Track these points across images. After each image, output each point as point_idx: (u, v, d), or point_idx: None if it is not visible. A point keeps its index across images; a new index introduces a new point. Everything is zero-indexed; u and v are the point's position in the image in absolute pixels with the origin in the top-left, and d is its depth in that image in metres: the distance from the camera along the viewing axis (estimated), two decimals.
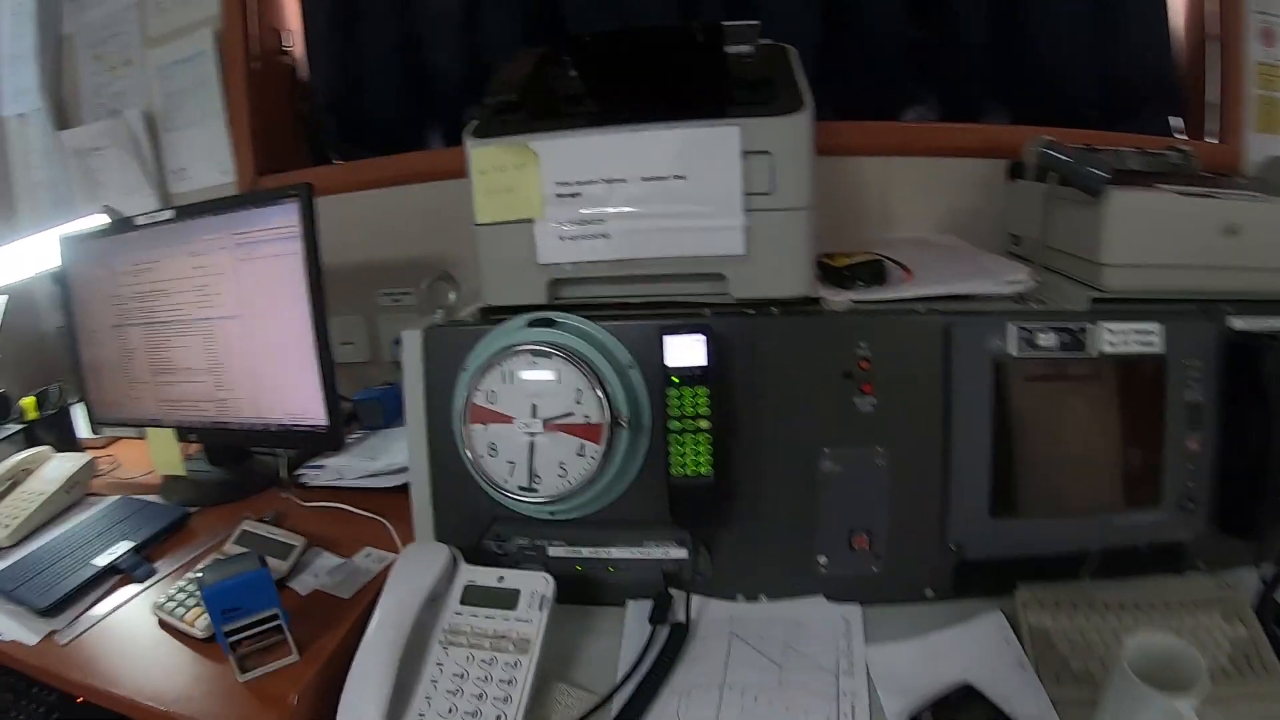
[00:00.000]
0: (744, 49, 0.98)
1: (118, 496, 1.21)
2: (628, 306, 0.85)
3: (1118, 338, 0.81)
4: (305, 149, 1.55)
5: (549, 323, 0.82)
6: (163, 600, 0.90)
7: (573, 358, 0.78)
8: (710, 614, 0.83)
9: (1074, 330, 0.81)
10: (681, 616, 0.80)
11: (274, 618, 0.77)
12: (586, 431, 0.78)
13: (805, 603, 0.83)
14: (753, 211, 0.78)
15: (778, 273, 0.81)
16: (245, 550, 0.95)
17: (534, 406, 0.80)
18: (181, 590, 0.90)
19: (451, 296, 0.93)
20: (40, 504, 1.17)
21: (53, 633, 0.89)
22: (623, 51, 0.78)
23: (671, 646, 0.77)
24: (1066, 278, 0.93)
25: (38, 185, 1.61)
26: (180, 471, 1.24)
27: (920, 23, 1.27)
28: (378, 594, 0.79)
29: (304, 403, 1.08)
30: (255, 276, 1.09)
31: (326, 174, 1.49)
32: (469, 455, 0.82)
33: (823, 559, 0.83)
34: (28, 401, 1.38)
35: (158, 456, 1.25)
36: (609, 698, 0.73)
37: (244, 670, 0.77)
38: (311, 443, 1.14)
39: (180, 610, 0.87)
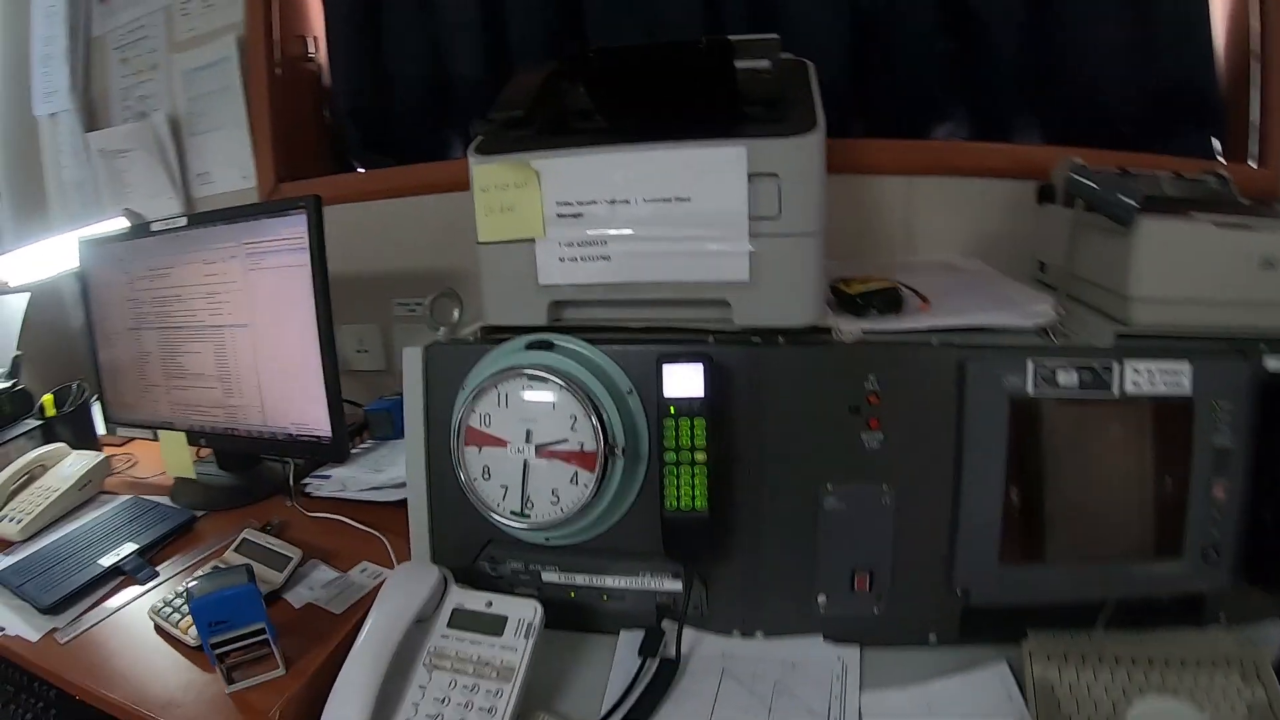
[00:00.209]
0: (762, 64, 0.95)
1: (129, 496, 1.23)
2: (630, 330, 0.83)
3: (1143, 377, 0.77)
4: (328, 156, 1.56)
5: (548, 345, 0.81)
6: (160, 605, 0.90)
7: (569, 383, 0.76)
8: (704, 648, 0.80)
9: (1096, 369, 0.76)
10: (673, 650, 0.77)
11: (260, 631, 0.77)
12: (580, 459, 0.76)
13: (802, 642, 0.80)
14: (759, 236, 0.75)
15: (784, 301, 0.78)
16: (242, 561, 0.96)
17: (528, 431, 0.78)
18: (178, 596, 0.90)
19: (456, 314, 0.91)
20: (54, 500, 1.19)
21: (54, 630, 0.91)
22: (628, 67, 0.76)
23: (660, 682, 0.75)
24: (1092, 309, 0.88)
25: (68, 185, 1.64)
26: (190, 474, 1.25)
27: (951, 35, 1.23)
28: (368, 611, 0.78)
29: (309, 413, 1.08)
30: (265, 286, 1.09)
31: (347, 182, 1.50)
32: (463, 477, 0.81)
33: (822, 598, 0.80)
34: (47, 398, 1.40)
35: (169, 459, 1.26)
36: None
37: (231, 681, 0.78)
38: (316, 453, 1.13)
39: (175, 616, 0.88)
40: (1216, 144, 1.21)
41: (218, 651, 0.76)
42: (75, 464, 1.27)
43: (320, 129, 1.55)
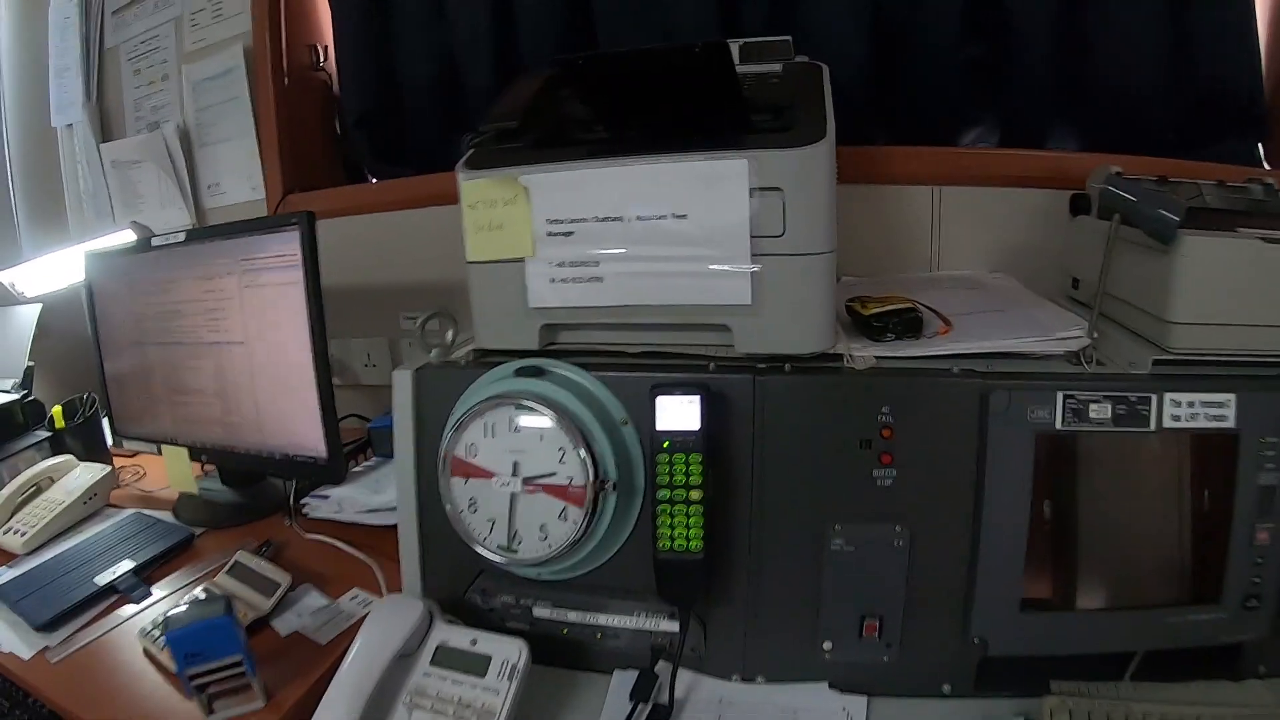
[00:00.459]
0: (772, 68, 0.90)
1: (132, 511, 1.23)
2: (626, 355, 0.78)
3: (1183, 410, 0.70)
4: (339, 167, 1.54)
5: (538, 371, 0.76)
6: (149, 628, 0.89)
7: (557, 413, 0.72)
8: (701, 692, 0.75)
9: (1132, 401, 0.70)
10: (666, 695, 0.72)
11: (240, 663, 0.76)
12: (569, 494, 0.72)
13: (806, 689, 0.74)
14: (761, 256, 0.70)
15: (789, 326, 0.72)
16: (232, 585, 0.95)
17: (515, 463, 0.74)
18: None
19: (449, 335, 0.87)
20: (58, 513, 1.19)
21: (45, 649, 0.90)
22: (618, 74, 0.71)
23: None
24: (1128, 331, 0.82)
25: (84, 196, 1.65)
26: (193, 490, 1.24)
27: (979, 39, 1.16)
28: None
29: (305, 433, 1.05)
30: (260, 303, 1.07)
31: (357, 193, 1.48)
32: (449, 509, 0.77)
33: (828, 644, 0.74)
34: (56, 410, 1.40)
35: (172, 474, 1.26)
36: None
37: (210, 711, 0.77)
38: (312, 474, 1.11)
39: (162, 640, 0.85)
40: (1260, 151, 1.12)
41: (197, 682, 0.75)
42: (81, 477, 1.27)
43: (330, 139, 1.53)
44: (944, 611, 0.72)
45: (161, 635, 0.86)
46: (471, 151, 0.81)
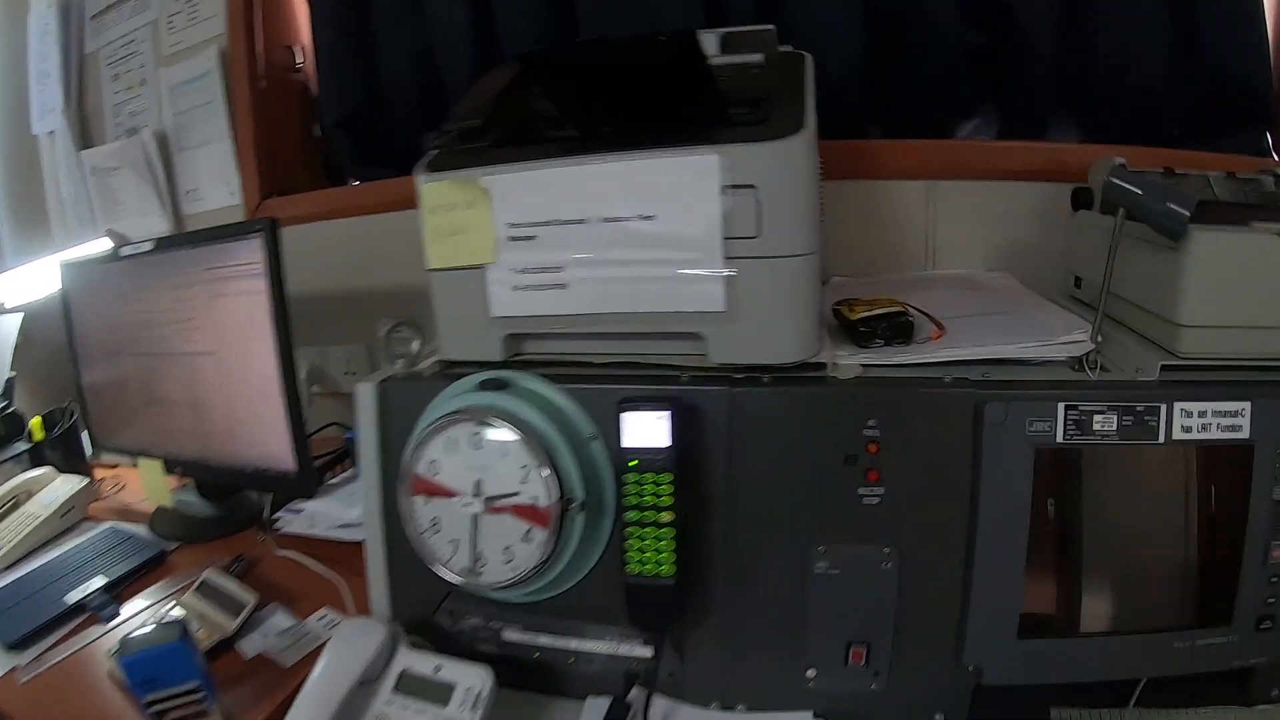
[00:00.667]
0: (753, 59, 0.85)
1: (109, 525, 1.21)
2: (594, 366, 0.74)
3: (1195, 421, 0.65)
4: (319, 169, 1.50)
5: (501, 384, 0.72)
6: (115, 649, 0.84)
7: (521, 429, 0.67)
8: None
9: (1139, 411, 0.65)
10: None
11: (197, 689, 0.73)
12: (533, 514, 0.67)
13: (789, 718, 0.70)
14: (736, 259, 0.65)
15: (767, 334, 0.67)
16: (198, 606, 0.93)
17: (478, 482, 0.69)
18: None
19: (414, 345, 0.83)
20: (34, 528, 1.18)
21: (15, 668, 0.88)
22: (582, 69, 0.67)
23: None
24: (1134, 334, 0.76)
25: (66, 204, 1.62)
26: (168, 503, 1.21)
27: (978, 26, 1.11)
28: None
29: (276, 446, 1.02)
30: (228, 312, 1.03)
31: (337, 196, 1.44)
32: (410, 530, 0.73)
33: (812, 671, 0.69)
34: (35, 421, 1.38)
35: (148, 486, 1.23)
36: None
37: None
38: (282, 487, 1.07)
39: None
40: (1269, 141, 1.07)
41: (155, 709, 0.73)
42: (59, 490, 1.26)
43: (310, 141, 1.49)
44: (936, 637, 0.68)
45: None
46: (433, 153, 0.77)
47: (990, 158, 1.08)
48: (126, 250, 1.14)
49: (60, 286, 1.30)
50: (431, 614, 0.79)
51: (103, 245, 1.36)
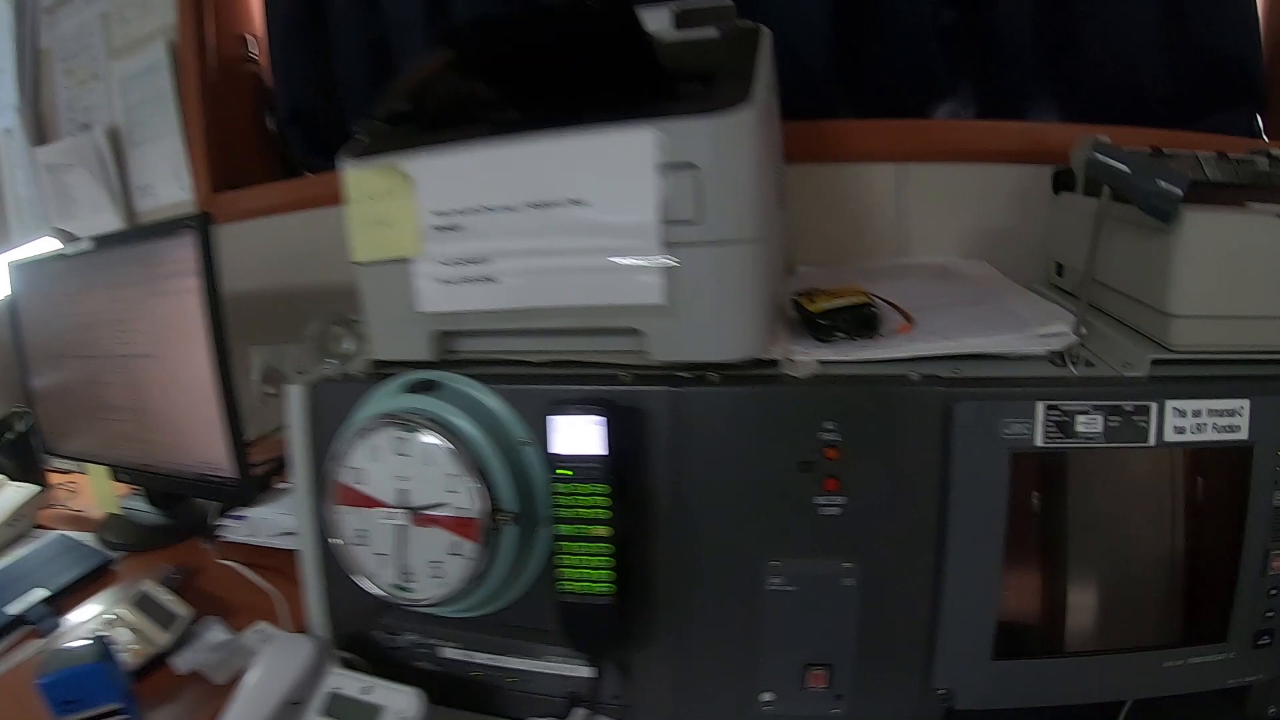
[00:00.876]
0: (707, 34, 0.80)
1: (57, 533, 1.16)
2: (529, 366, 0.68)
3: (1188, 420, 0.59)
4: (274, 163, 1.45)
5: (428, 386, 0.66)
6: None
7: (446, 434, 0.62)
8: None
9: (1128, 410, 0.59)
10: None
11: (119, 711, 0.69)
12: (460, 526, 0.62)
13: None
14: (676, 246, 0.59)
15: (711, 328, 0.61)
16: (131, 619, 0.88)
17: (403, 491, 0.64)
18: None
19: (346, 345, 0.78)
20: None
21: None
22: (508, 41, 0.61)
23: None
24: (1121, 326, 0.70)
25: (22, 202, 1.57)
26: (116, 510, 1.17)
27: (954, 2, 1.05)
28: None
29: (215, 452, 0.96)
30: (164, 313, 0.98)
31: (291, 188, 1.38)
32: (336, 542, 0.68)
33: (768, 695, 0.64)
34: None
35: (97, 493, 1.19)
36: None
37: None
38: (222, 495, 1.02)
39: None
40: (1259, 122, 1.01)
41: None
42: (7, 498, 1.21)
43: (263, 134, 1.44)
44: (903, 659, 0.62)
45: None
46: (361, 140, 0.71)
47: (965, 138, 1.02)
48: (69, 249, 1.09)
49: (7, 288, 1.25)
50: (367, 629, 0.74)
51: (49, 245, 1.31)
